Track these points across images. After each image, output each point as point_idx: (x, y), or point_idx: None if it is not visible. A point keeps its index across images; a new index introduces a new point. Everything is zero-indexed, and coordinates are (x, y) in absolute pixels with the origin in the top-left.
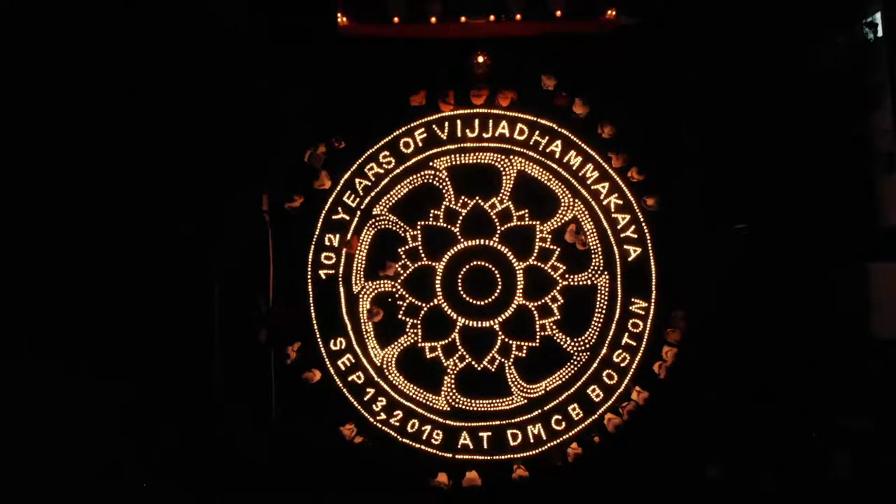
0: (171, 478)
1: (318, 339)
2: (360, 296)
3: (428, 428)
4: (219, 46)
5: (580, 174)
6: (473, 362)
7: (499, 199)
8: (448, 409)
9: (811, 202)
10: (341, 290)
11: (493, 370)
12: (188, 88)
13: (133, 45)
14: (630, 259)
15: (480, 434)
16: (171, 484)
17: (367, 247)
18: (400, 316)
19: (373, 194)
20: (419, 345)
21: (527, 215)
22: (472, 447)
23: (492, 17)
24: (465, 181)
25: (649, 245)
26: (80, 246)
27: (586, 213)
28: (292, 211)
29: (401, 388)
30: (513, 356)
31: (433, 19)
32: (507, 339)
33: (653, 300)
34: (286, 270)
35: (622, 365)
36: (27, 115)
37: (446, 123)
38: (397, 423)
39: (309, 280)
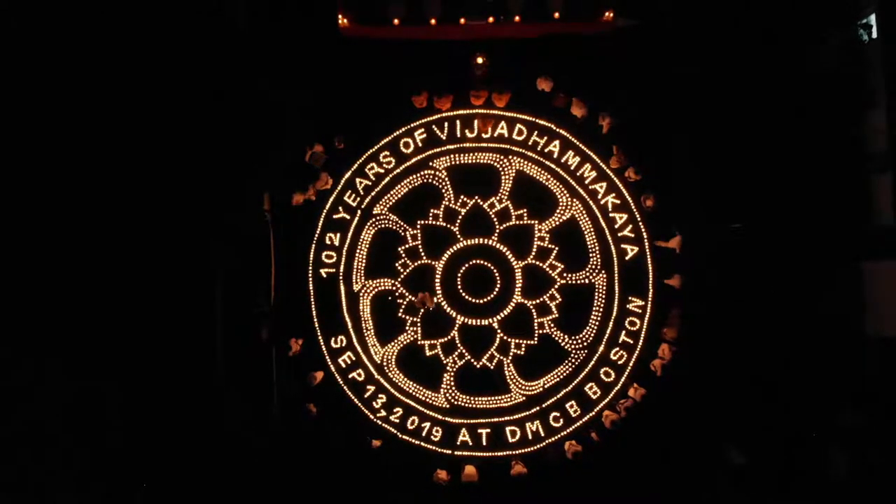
0: (172, 476)
1: (319, 337)
2: (361, 294)
3: (427, 425)
4: (219, 46)
5: (578, 174)
6: (472, 360)
7: (497, 198)
8: (447, 406)
9: (807, 202)
10: (342, 288)
11: (491, 368)
12: (189, 88)
13: (133, 44)
14: (627, 258)
15: (479, 431)
16: (172, 483)
17: (367, 245)
18: (400, 314)
19: (373, 194)
20: (419, 342)
21: (525, 215)
22: (471, 444)
23: (491, 19)
24: (465, 181)
25: (646, 244)
26: (82, 245)
27: (584, 212)
28: (305, 202)
29: (401, 385)
30: (511, 354)
31: (433, 21)
32: (505, 337)
33: (650, 298)
34: (287, 269)
35: (619, 363)
36: (26, 114)
37: (446, 124)
38: (397, 420)
39: (310, 278)
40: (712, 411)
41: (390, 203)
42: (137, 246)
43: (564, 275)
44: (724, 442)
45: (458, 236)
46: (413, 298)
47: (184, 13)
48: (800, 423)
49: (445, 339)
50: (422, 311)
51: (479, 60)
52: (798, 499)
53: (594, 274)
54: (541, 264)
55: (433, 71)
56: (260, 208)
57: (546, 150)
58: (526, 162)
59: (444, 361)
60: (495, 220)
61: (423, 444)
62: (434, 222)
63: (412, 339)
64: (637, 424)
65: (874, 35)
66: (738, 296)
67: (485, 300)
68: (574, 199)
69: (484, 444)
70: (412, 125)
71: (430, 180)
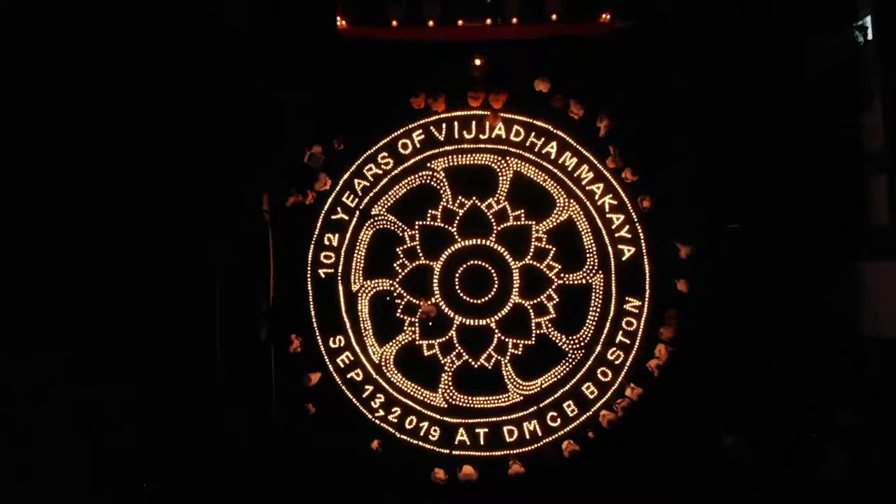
0: (171, 477)
1: (318, 337)
2: (359, 294)
3: (426, 424)
4: (219, 46)
5: (575, 175)
6: (470, 360)
7: (495, 199)
8: (445, 405)
9: (803, 202)
10: (340, 288)
11: (489, 367)
12: (189, 88)
13: (134, 44)
14: (624, 258)
15: (477, 430)
16: (172, 483)
17: (366, 246)
18: (398, 314)
19: (371, 194)
20: (417, 342)
21: (523, 215)
22: (469, 443)
23: (488, 21)
24: (463, 182)
25: (643, 245)
26: (82, 246)
27: (581, 213)
28: (304, 204)
29: (399, 385)
30: (509, 354)
31: (431, 23)
32: (503, 337)
33: (646, 299)
34: (286, 269)
35: (616, 362)
36: (27, 115)
37: (444, 125)
38: (395, 420)
39: (308, 279)
40: (709, 411)
41: (388, 204)
42: (137, 246)
43: (562, 275)
44: (718, 428)
45: (456, 237)
46: (414, 300)
47: (184, 13)
48: (799, 423)
49: (443, 339)
50: (421, 317)
51: (477, 62)
52: (797, 498)
53: (591, 274)
54: (538, 265)
55: (431, 72)
56: (259, 208)
57: (543, 151)
58: (523, 163)
59: (442, 361)
60: (493, 220)
61: (421, 443)
62: (432, 223)
63: (410, 339)
64: (634, 424)
65: (870, 37)
66: (734, 296)
67: (482, 300)
68: (571, 200)
69: (482, 443)
70: (410, 126)
71: (428, 181)
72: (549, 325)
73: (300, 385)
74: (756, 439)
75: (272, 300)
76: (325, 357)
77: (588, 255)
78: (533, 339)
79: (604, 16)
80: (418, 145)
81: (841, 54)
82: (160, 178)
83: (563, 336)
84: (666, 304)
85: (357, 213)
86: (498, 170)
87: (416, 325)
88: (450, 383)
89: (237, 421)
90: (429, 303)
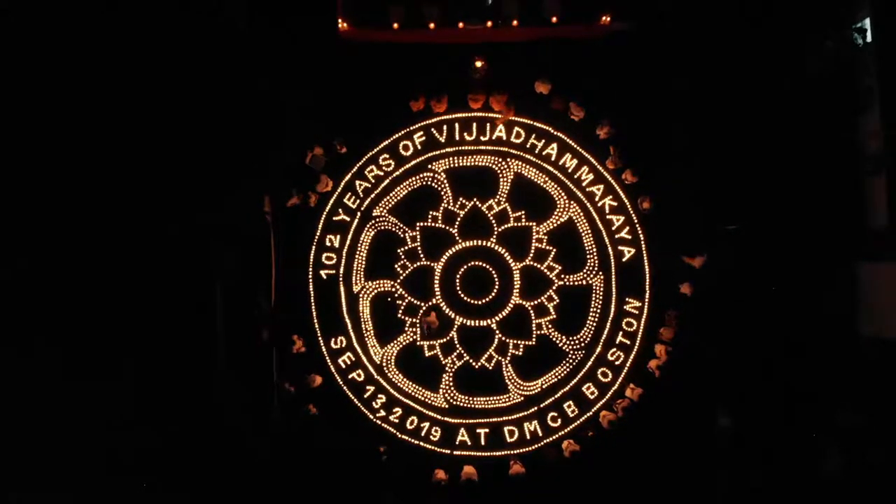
0: (171, 477)
1: (319, 338)
2: (360, 295)
3: (426, 425)
4: (219, 46)
5: (575, 176)
6: (471, 360)
7: (496, 200)
8: (446, 406)
9: (803, 204)
10: (342, 289)
11: (490, 368)
12: (189, 88)
13: (133, 44)
14: (624, 259)
15: (478, 431)
16: (172, 484)
17: (367, 247)
18: (399, 315)
19: (373, 196)
20: (418, 343)
21: (523, 217)
22: (469, 444)
23: (489, 23)
24: (463, 183)
25: (643, 246)
26: (82, 246)
27: (582, 214)
28: (305, 207)
29: (400, 385)
30: (510, 354)
31: (432, 25)
32: (504, 338)
33: (646, 300)
34: (288, 270)
35: (616, 363)
36: (26, 114)
37: (444, 127)
38: (396, 420)
39: (310, 280)
40: (709, 411)
41: (390, 205)
42: (138, 246)
43: (562, 276)
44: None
45: (457, 238)
46: (418, 302)
47: (184, 13)
48: (799, 423)
49: (444, 340)
50: (425, 327)
51: (478, 64)
52: (798, 498)
53: (591, 275)
54: (539, 266)
55: (432, 74)
56: (260, 209)
57: (544, 153)
58: (524, 164)
59: (443, 362)
60: (494, 221)
61: (422, 443)
62: (433, 224)
63: (411, 339)
64: (634, 424)
65: (868, 39)
66: (734, 297)
67: (483, 301)
68: (572, 202)
69: (482, 443)
70: (411, 128)
71: (429, 182)
72: (550, 326)
73: (302, 386)
74: (755, 439)
75: (273, 301)
76: (327, 358)
77: (588, 257)
78: (533, 339)
79: (604, 18)
80: (419, 147)
81: (840, 56)
82: (161, 179)
83: (564, 337)
84: (666, 305)
85: (358, 214)
86: (499, 171)
87: (417, 326)
88: (451, 384)
89: (238, 421)
90: (432, 314)
